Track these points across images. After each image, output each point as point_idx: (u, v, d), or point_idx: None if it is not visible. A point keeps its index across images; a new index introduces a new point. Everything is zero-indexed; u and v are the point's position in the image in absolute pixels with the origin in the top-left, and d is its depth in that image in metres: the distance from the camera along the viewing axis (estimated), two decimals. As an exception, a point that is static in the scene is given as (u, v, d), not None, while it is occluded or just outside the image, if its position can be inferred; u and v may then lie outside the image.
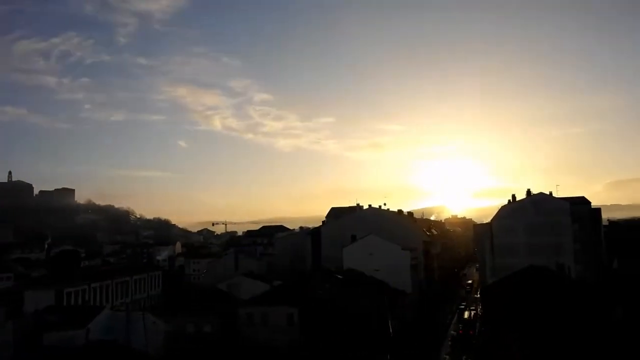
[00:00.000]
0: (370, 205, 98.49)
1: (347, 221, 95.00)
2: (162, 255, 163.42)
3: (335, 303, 51.37)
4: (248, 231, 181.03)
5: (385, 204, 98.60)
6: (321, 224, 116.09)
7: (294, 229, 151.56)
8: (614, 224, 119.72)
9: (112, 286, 69.61)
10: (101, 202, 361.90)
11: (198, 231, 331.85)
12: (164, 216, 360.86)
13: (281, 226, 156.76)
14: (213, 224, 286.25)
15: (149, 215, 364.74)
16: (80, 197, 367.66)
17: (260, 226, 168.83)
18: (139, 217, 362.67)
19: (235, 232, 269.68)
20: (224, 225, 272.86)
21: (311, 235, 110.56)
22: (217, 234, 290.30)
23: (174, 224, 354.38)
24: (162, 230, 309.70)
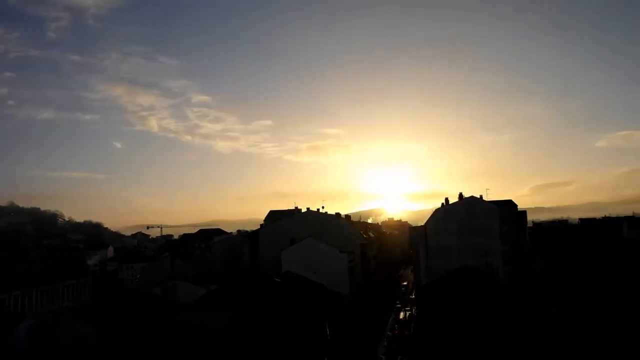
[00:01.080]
0: (308, 209, 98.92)
1: (286, 224, 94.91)
2: (93, 260, 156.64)
3: (274, 306, 51.11)
4: (184, 234, 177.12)
5: (323, 207, 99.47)
6: (259, 227, 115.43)
7: (231, 232, 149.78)
8: (538, 225, 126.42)
9: (36, 294, 65.97)
10: (25, 204, 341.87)
11: (132, 235, 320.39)
12: (95, 219, 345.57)
13: (218, 229, 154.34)
14: (148, 227, 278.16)
15: (79, 218, 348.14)
16: (2, 199, 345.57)
17: (197, 229, 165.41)
18: (67, 220, 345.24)
19: (171, 235, 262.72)
20: (159, 229, 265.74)
21: (249, 239, 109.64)
22: (152, 238, 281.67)
23: (106, 228, 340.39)
24: (93, 234, 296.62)
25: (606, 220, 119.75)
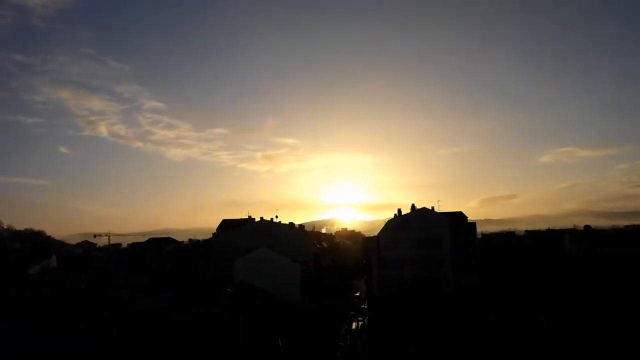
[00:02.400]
0: (262, 218, 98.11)
1: (239, 233, 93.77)
2: (34, 269, 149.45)
3: (226, 317, 50.17)
4: (134, 243, 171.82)
5: (277, 217, 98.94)
6: (212, 236, 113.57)
7: (183, 241, 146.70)
8: (486, 237, 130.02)
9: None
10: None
11: (77, 243, 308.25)
12: (37, 227, 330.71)
13: (169, 238, 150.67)
14: (95, 236, 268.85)
15: (20, 226, 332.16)
16: None
17: (147, 238, 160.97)
18: (6, 227, 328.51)
19: (120, 244, 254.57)
20: (107, 237, 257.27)
21: (201, 248, 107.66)
22: (99, 247, 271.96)
23: (49, 236, 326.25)
24: (35, 243, 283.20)
25: (550, 232, 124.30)
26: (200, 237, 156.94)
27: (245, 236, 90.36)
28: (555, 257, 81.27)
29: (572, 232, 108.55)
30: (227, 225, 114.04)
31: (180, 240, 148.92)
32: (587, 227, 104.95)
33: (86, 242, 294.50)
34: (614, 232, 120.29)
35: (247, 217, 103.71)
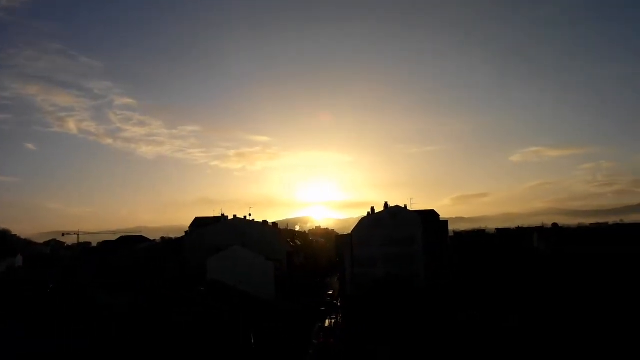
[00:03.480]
0: (235, 216, 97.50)
1: (212, 231, 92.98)
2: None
3: (198, 315, 49.69)
4: (104, 242, 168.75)
5: (250, 214, 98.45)
6: (184, 234, 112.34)
7: (154, 240, 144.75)
8: (458, 235, 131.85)
9: None
10: None
11: (45, 242, 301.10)
12: (2, 225, 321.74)
13: (141, 236, 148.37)
14: (63, 234, 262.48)
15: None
16: None
17: (118, 236, 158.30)
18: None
19: (89, 242, 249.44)
20: (75, 236, 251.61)
21: (173, 246, 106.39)
22: (67, 245, 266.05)
23: (15, 235, 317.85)
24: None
25: (519, 230, 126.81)
26: (172, 236, 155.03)
27: (218, 234, 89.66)
28: (523, 255, 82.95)
29: (540, 231, 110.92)
30: (199, 223, 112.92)
31: (152, 238, 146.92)
32: (554, 225, 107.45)
33: (54, 240, 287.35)
34: (580, 230, 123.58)
35: (220, 215, 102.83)
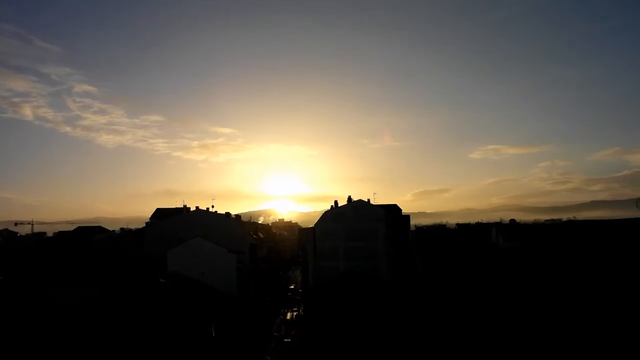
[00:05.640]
0: (197, 207, 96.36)
1: (173, 223, 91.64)
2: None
3: (159, 307, 49.01)
4: (60, 232, 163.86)
5: (213, 206, 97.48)
6: (145, 225, 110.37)
7: (114, 230, 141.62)
8: (420, 229, 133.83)
9: None
10: None
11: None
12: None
13: (99, 227, 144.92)
14: (16, 224, 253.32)
15: None
16: None
17: (75, 227, 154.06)
18: None
19: (45, 233, 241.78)
20: (30, 225, 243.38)
21: (134, 238, 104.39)
22: (21, 236, 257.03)
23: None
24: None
25: (478, 225, 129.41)
26: (133, 227, 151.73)
27: (180, 226, 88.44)
28: (482, 250, 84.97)
29: (498, 226, 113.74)
30: (161, 214, 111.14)
31: (111, 229, 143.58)
32: (512, 221, 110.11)
33: (6, 230, 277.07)
34: (536, 226, 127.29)
35: (182, 206, 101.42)
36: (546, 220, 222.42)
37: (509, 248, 75.37)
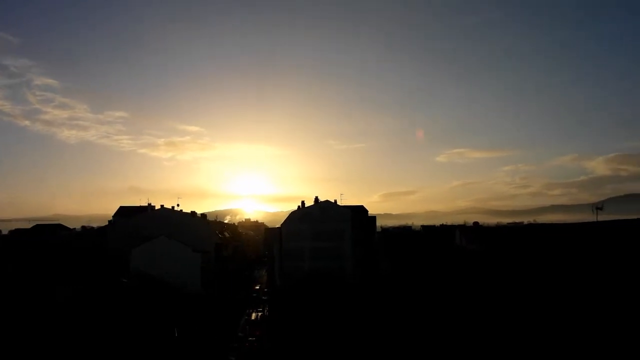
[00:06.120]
0: (162, 206, 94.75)
1: (137, 221, 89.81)
2: None
3: (120, 308, 47.99)
4: (16, 230, 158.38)
5: (178, 205, 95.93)
6: (107, 223, 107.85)
7: (75, 228, 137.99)
8: (385, 230, 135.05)
9: None
10: None
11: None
12: None
13: (59, 225, 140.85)
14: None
15: None
16: None
17: (33, 224, 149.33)
18: None
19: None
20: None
21: (96, 236, 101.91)
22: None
23: None
24: None
25: (443, 227, 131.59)
26: (95, 225, 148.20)
27: (144, 224, 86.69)
28: (446, 252, 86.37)
29: (462, 228, 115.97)
30: (124, 213, 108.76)
31: (72, 227, 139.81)
32: (475, 223, 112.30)
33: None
34: (498, 229, 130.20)
35: (147, 204, 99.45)
36: (508, 223, 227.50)
37: (472, 250, 76.81)
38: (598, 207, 57.63)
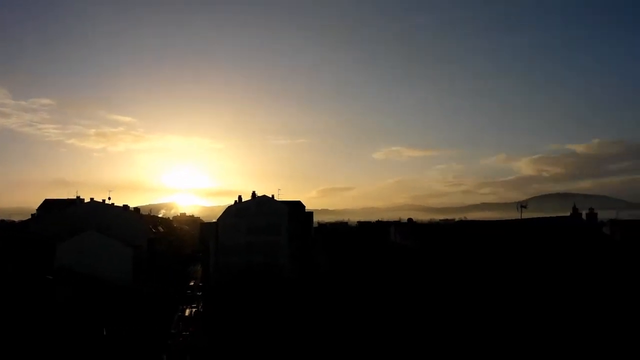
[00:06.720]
0: (92, 199, 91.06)
1: (64, 215, 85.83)
2: None
3: (44, 306, 45.76)
4: None
5: (110, 198, 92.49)
6: (30, 217, 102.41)
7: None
8: (322, 226, 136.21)
9: None
10: None
11: None
12: None
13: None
14: None
15: None
16: None
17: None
18: None
19: None
20: None
21: (17, 231, 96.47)
22: None
23: None
24: None
25: (378, 224, 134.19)
26: (16, 219, 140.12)
27: (72, 218, 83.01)
28: (381, 247, 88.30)
29: (397, 224, 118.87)
30: (50, 206, 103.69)
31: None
32: (410, 220, 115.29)
33: None
34: (431, 225, 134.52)
35: (75, 197, 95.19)
36: (441, 220, 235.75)
37: (406, 246, 79.00)
38: (522, 205, 60.76)
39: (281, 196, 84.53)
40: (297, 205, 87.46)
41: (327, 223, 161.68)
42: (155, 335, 66.24)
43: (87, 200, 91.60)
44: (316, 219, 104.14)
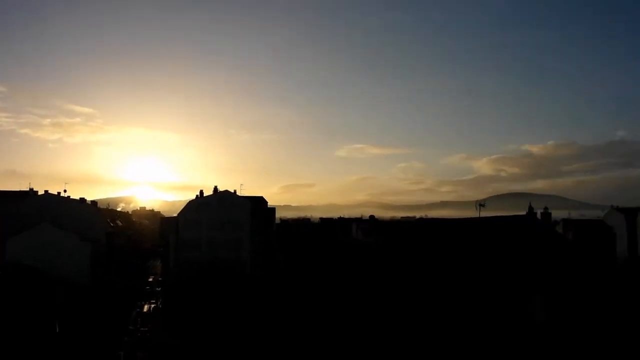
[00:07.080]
0: (47, 192, 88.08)
1: (17, 208, 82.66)
2: None
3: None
4: None
5: (65, 191, 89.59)
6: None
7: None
8: (284, 222, 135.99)
9: None
10: None
11: None
12: None
13: None
14: None
15: None
16: None
17: None
18: None
19: None
20: None
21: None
22: None
23: None
24: None
25: (340, 220, 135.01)
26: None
27: (24, 211, 79.97)
28: (343, 244, 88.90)
29: (359, 221, 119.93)
30: (0, 198, 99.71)
31: None
32: (371, 217, 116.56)
33: None
34: (392, 223, 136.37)
35: (28, 189, 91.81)
36: (402, 217, 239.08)
37: (367, 243, 79.69)
38: (481, 204, 62.16)
39: (243, 191, 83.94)
40: (260, 201, 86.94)
41: (289, 219, 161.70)
42: (111, 331, 64.75)
43: (41, 192, 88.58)
44: (279, 214, 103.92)
